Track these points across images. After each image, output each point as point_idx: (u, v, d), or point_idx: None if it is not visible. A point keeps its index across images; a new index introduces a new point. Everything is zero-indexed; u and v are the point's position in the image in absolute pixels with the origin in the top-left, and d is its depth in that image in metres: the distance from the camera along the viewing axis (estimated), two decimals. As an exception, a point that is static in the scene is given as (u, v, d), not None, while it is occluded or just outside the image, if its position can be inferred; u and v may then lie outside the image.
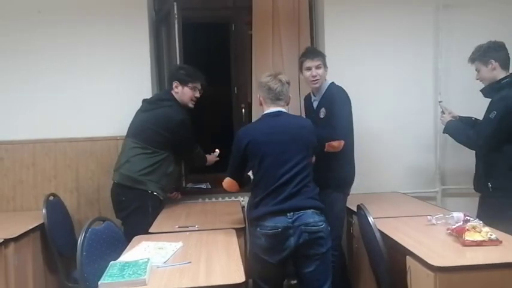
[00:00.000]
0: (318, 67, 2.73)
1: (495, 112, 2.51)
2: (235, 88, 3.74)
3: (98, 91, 3.21)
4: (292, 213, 2.14)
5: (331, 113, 2.71)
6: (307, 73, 2.76)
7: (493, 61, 2.60)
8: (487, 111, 2.60)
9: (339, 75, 3.04)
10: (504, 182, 2.53)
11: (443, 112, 2.96)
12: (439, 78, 3.42)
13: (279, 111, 2.34)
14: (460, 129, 2.78)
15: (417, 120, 3.43)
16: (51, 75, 3.21)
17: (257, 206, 2.22)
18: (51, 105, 3.21)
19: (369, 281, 2.50)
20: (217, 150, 3.23)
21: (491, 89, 2.64)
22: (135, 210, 2.69)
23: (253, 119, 3.44)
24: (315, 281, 2.20)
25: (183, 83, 2.89)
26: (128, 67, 3.24)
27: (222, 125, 4.08)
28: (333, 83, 2.82)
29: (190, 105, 2.94)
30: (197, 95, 2.95)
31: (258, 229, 2.16)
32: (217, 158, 3.20)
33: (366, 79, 3.36)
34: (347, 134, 2.72)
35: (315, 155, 2.46)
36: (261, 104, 2.40)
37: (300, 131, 2.31)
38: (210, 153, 3.20)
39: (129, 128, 2.88)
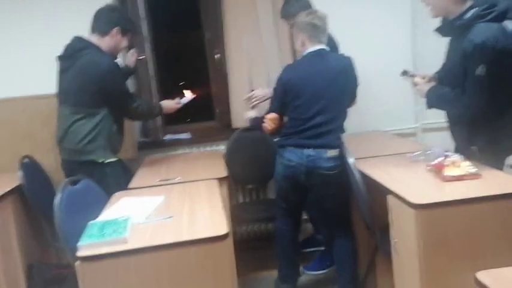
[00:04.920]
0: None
1: (484, 66, 1.87)
2: (208, 33, 3.58)
3: (64, 42, 3.02)
4: (310, 151, 2.31)
5: None
6: None
7: None
8: (464, 60, 1.95)
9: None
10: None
11: (414, 83, 2.30)
12: (416, 13, 3.33)
13: (323, 49, 2.38)
14: (449, 97, 2.09)
15: (395, 56, 3.36)
16: (20, 29, 3.03)
17: (285, 135, 2.43)
18: (21, 61, 3.05)
19: (357, 221, 2.54)
20: (186, 92, 2.83)
21: (452, 28, 2.05)
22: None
23: (229, 66, 3.33)
24: (332, 215, 2.46)
25: (124, 32, 2.53)
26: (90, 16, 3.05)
27: (197, 74, 3.95)
28: None
29: (118, 55, 2.63)
30: (127, 47, 2.65)
31: (278, 156, 2.45)
32: (180, 105, 2.78)
33: (343, 21, 3.24)
34: None
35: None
36: (303, 45, 2.40)
37: (339, 75, 2.36)
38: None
39: (57, 95, 2.55)
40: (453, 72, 2.08)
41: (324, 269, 2.86)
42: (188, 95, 2.81)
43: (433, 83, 2.24)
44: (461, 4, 2.00)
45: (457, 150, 2.21)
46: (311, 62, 2.38)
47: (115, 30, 2.49)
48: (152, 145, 3.34)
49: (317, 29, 2.35)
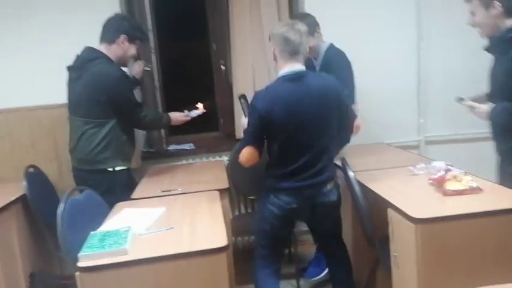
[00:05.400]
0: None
1: None
2: (214, 44, 3.62)
3: (66, 52, 3.05)
4: (310, 191, 2.12)
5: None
6: None
7: (497, 4, 2.03)
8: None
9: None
10: None
11: (471, 107, 2.22)
12: (421, 27, 3.35)
13: (298, 71, 2.07)
14: (510, 108, 2.07)
15: (400, 69, 3.38)
16: (20, 41, 3.06)
17: (276, 177, 2.14)
18: (21, 72, 3.07)
19: (358, 235, 2.54)
20: (199, 104, 2.83)
21: (501, 42, 2.09)
22: (103, 194, 2.33)
23: (234, 77, 3.36)
24: (330, 235, 2.35)
25: (131, 39, 2.53)
26: (96, 27, 3.08)
27: (203, 84, 3.98)
28: (331, 45, 2.76)
29: (128, 64, 2.64)
30: (136, 54, 2.67)
31: (274, 198, 2.14)
32: (188, 118, 2.79)
33: (345, 32, 3.26)
34: (354, 98, 2.64)
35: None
36: (275, 59, 2.14)
37: (325, 98, 2.07)
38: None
39: (68, 104, 2.61)
40: (506, 86, 2.09)
41: (323, 272, 2.86)
42: (200, 107, 2.80)
43: (490, 104, 2.18)
44: (508, 19, 2.07)
45: (502, 166, 2.24)
46: (288, 89, 2.05)
47: (121, 37, 2.51)
48: (156, 155, 3.37)
49: (289, 44, 2.04)
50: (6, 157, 3.07)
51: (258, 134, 2.09)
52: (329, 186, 2.16)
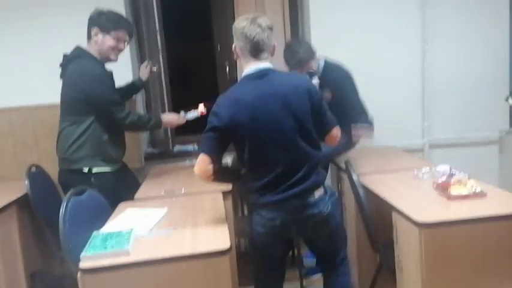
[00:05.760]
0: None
1: None
2: (219, 45, 3.63)
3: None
4: (294, 202, 1.87)
5: (341, 99, 2.62)
6: None
7: None
8: None
9: (321, 28, 2.93)
10: None
11: None
12: (426, 29, 3.33)
13: (263, 69, 1.85)
14: None
15: (404, 72, 3.37)
16: (22, 39, 3.06)
17: (255, 191, 1.92)
18: (24, 71, 3.08)
19: (361, 239, 2.52)
20: (200, 105, 2.71)
21: None
22: None
23: (239, 78, 3.35)
24: (328, 254, 2.11)
25: (104, 30, 2.42)
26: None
27: (207, 85, 3.98)
28: (326, 62, 2.76)
29: (113, 57, 2.49)
30: (122, 46, 2.49)
31: (256, 215, 1.95)
32: (183, 120, 2.71)
33: (350, 34, 3.26)
34: (367, 116, 2.77)
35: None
36: (237, 57, 1.92)
37: (295, 94, 1.83)
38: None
39: None
40: None
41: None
42: (201, 108, 2.69)
43: None
44: None
45: None
46: (253, 88, 1.83)
47: (94, 30, 2.43)
48: (160, 155, 3.36)
49: (249, 41, 1.82)
50: (9, 156, 3.07)
51: (216, 144, 1.87)
52: (317, 195, 1.90)
